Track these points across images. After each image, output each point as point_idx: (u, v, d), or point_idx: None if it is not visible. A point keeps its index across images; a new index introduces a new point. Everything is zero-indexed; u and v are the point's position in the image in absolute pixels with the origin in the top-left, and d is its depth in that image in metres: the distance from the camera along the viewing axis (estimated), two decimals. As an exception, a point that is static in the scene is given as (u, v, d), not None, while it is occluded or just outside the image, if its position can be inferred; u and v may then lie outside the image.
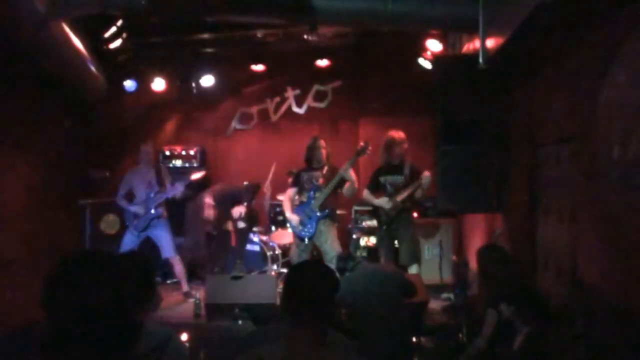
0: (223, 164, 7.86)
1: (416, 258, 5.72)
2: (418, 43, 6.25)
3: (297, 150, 5.81)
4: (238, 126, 7.99)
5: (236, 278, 5.31)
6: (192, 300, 5.61)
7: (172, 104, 7.82)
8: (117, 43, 6.18)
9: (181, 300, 5.97)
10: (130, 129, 7.70)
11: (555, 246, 3.76)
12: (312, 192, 5.50)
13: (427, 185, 5.39)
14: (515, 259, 4.11)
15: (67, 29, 5.61)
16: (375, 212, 5.81)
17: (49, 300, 1.21)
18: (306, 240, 5.49)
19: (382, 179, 5.71)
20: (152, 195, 5.97)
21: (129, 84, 7.31)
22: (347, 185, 5.41)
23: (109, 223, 6.98)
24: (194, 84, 7.41)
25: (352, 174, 5.33)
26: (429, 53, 6.20)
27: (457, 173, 4.66)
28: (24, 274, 5.72)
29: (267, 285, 5.31)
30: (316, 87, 7.73)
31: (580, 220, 3.30)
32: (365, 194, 5.77)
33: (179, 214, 7.07)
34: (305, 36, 6.74)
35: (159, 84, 7.34)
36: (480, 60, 4.00)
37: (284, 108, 7.86)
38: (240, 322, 4.93)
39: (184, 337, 4.73)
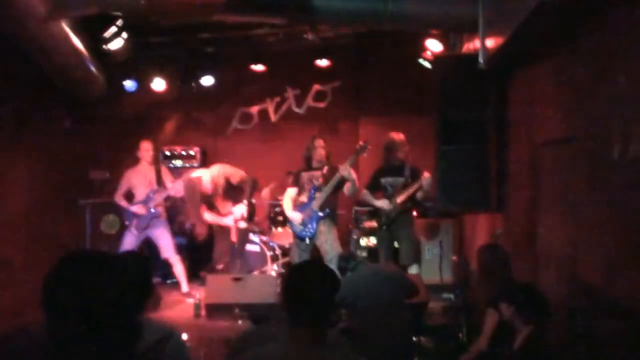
0: (223, 164, 7.85)
1: (416, 258, 5.72)
2: (418, 43, 6.25)
3: (297, 150, 5.81)
4: (238, 126, 7.99)
5: (236, 279, 5.31)
6: (192, 300, 5.61)
7: (172, 104, 7.82)
8: (117, 43, 6.17)
9: (181, 300, 5.96)
10: (130, 129, 7.70)
11: (556, 246, 3.76)
12: (312, 192, 5.50)
13: (428, 186, 5.39)
14: (515, 259, 4.11)
15: (67, 29, 5.61)
16: (375, 212, 5.82)
17: (49, 300, 1.21)
18: (306, 240, 5.49)
19: (382, 180, 5.71)
20: (151, 194, 5.96)
21: (129, 84, 7.31)
22: (347, 185, 5.41)
23: (109, 223, 6.98)
24: (194, 84, 7.41)
25: (352, 173, 5.33)
26: (429, 53, 6.20)
27: (457, 173, 4.66)
28: (24, 274, 5.72)
29: (267, 285, 5.31)
30: (316, 87, 7.73)
31: (580, 220, 3.30)
32: (365, 194, 5.77)
33: (178, 214, 7.07)
34: (305, 35, 6.74)
35: (159, 84, 7.34)
36: (480, 60, 4.00)
37: (284, 108, 7.86)
38: (240, 322, 4.93)
39: (184, 337, 4.73)
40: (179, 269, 6.10)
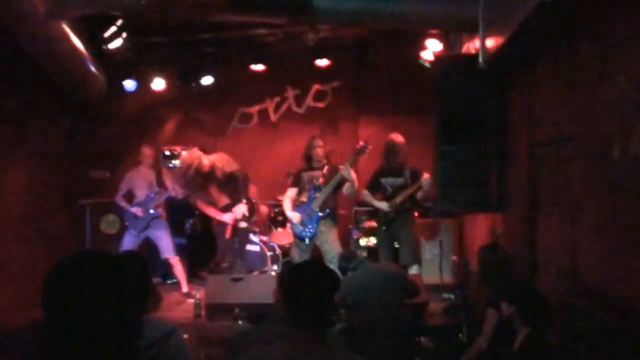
0: (223, 164, 7.85)
1: (416, 258, 5.72)
2: (418, 43, 6.25)
3: (297, 150, 5.81)
4: (238, 126, 7.99)
5: (236, 279, 5.31)
6: (192, 300, 5.61)
7: (172, 104, 7.82)
8: (117, 43, 6.17)
9: (181, 301, 5.96)
10: (130, 129, 7.70)
11: (555, 246, 3.76)
12: (312, 192, 5.50)
13: (427, 187, 5.39)
14: (515, 258, 4.11)
15: (67, 29, 5.61)
16: (375, 213, 5.82)
17: (49, 300, 1.21)
18: (307, 240, 5.49)
19: (382, 180, 5.72)
20: (152, 195, 5.97)
21: (129, 84, 7.31)
22: (347, 185, 5.41)
23: (109, 223, 6.98)
24: (194, 84, 7.41)
25: (352, 174, 5.33)
26: (429, 53, 6.20)
27: (457, 173, 4.66)
28: (24, 274, 5.72)
29: (267, 285, 5.30)
30: (316, 87, 7.73)
31: (580, 220, 3.30)
32: (365, 194, 5.78)
33: (179, 214, 7.08)
34: (304, 36, 6.73)
35: (159, 84, 7.34)
36: (480, 60, 4.00)
37: (284, 108, 7.86)
38: (240, 322, 4.93)
39: (185, 337, 4.72)
40: (179, 269, 6.10)
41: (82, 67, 6.32)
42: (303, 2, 4.55)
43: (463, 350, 3.78)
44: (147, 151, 6.17)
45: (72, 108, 7.26)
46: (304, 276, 1.97)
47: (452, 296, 5.71)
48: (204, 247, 7.17)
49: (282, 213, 6.61)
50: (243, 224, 6.31)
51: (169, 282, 6.78)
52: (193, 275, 6.71)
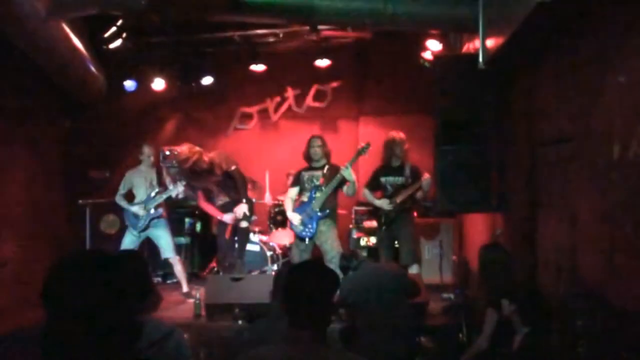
0: (223, 164, 7.85)
1: (416, 258, 5.72)
2: (418, 43, 6.25)
3: (297, 150, 5.81)
4: (238, 126, 7.99)
5: (236, 279, 5.31)
6: (192, 300, 5.61)
7: (172, 104, 7.83)
8: (117, 43, 6.18)
9: (181, 300, 5.96)
10: (130, 129, 7.71)
11: (555, 246, 3.76)
12: (312, 192, 5.50)
13: (427, 187, 5.39)
14: (515, 258, 4.11)
15: (67, 29, 5.61)
16: (375, 212, 5.82)
17: (49, 300, 1.21)
18: (307, 240, 5.49)
19: (382, 179, 5.71)
20: (152, 195, 5.96)
21: (129, 84, 7.32)
22: (347, 185, 5.41)
23: (109, 223, 6.98)
24: (194, 84, 7.41)
25: (352, 174, 5.33)
26: (429, 53, 6.20)
27: (457, 173, 4.65)
28: (24, 274, 5.72)
29: (267, 285, 5.27)
30: (316, 87, 7.73)
31: (580, 220, 3.30)
32: (365, 193, 5.77)
33: (178, 214, 7.08)
34: (305, 36, 6.75)
35: (159, 84, 7.34)
36: (480, 60, 4.00)
37: (284, 108, 7.86)
38: (240, 322, 4.93)
39: (185, 337, 4.72)
40: (179, 269, 6.10)
41: (82, 67, 6.32)
42: (303, 2, 4.55)
43: (463, 350, 3.77)
44: (147, 149, 6.17)
45: (72, 108, 7.26)
46: (304, 276, 1.97)
47: (452, 296, 5.71)
48: (205, 247, 7.18)
49: (282, 213, 6.61)
50: (244, 224, 6.31)
51: (169, 282, 6.78)
52: (193, 275, 6.72)
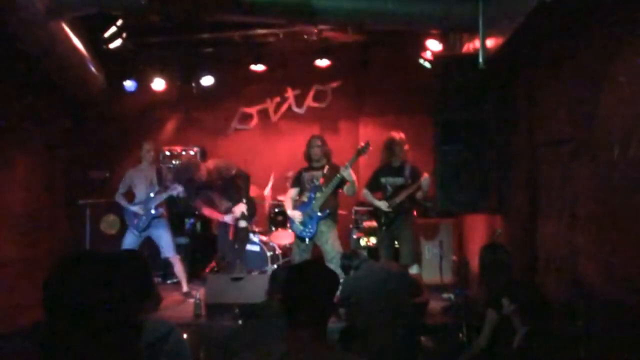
0: (223, 164, 7.84)
1: (416, 258, 5.72)
2: (418, 43, 6.25)
3: (297, 150, 5.81)
4: (238, 126, 8.00)
5: (236, 279, 5.31)
6: (192, 300, 5.61)
7: (172, 104, 7.83)
8: (117, 43, 6.17)
9: (181, 300, 5.96)
10: (130, 129, 7.71)
11: (555, 246, 3.76)
12: (312, 193, 5.50)
13: (427, 187, 5.39)
14: (515, 258, 4.11)
15: (67, 29, 5.61)
16: (375, 213, 5.81)
17: (49, 300, 1.21)
18: (307, 240, 5.49)
19: (382, 179, 5.71)
20: (152, 194, 5.96)
21: (129, 84, 7.32)
22: (347, 184, 5.41)
23: (109, 223, 6.97)
24: (194, 84, 7.41)
25: (352, 174, 5.33)
26: (429, 53, 6.20)
27: (457, 173, 4.66)
28: (24, 274, 5.72)
29: (267, 286, 5.29)
30: (316, 87, 7.73)
31: (580, 220, 3.30)
32: (365, 193, 5.77)
33: (179, 214, 7.08)
34: (305, 36, 6.74)
35: (159, 84, 7.34)
36: (480, 60, 4.01)
37: (284, 108, 7.86)
38: (240, 321, 4.93)
39: (184, 337, 4.72)
40: (179, 269, 6.10)
41: (82, 67, 6.32)
42: (303, 2, 4.55)
43: (463, 350, 3.77)
44: (148, 147, 6.17)
45: (72, 108, 7.26)
46: (304, 276, 1.97)
47: (452, 296, 5.70)
48: (205, 247, 7.18)
49: (282, 213, 6.61)
50: (243, 223, 6.30)
51: (169, 282, 6.78)
52: (193, 275, 6.71)
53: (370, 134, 7.35)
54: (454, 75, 4.69)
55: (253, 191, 6.75)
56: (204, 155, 7.72)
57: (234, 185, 6.28)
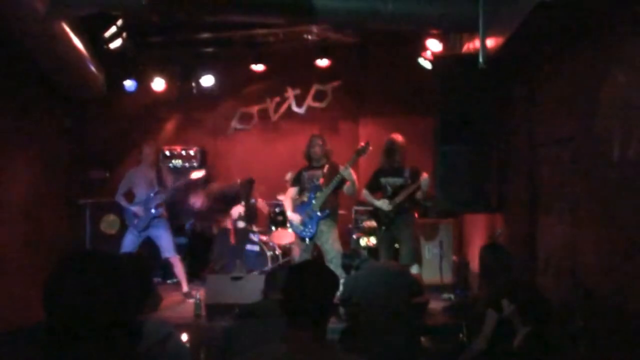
0: (223, 164, 7.85)
1: (416, 258, 5.72)
2: (418, 43, 6.25)
3: (297, 150, 5.81)
4: (238, 126, 7.99)
5: (236, 278, 5.31)
6: (192, 300, 5.61)
7: (172, 104, 7.82)
8: (117, 43, 6.18)
9: (181, 300, 5.96)
10: (130, 129, 7.71)
11: (555, 246, 3.76)
12: (312, 193, 5.49)
13: (426, 187, 5.39)
14: (515, 258, 4.11)
15: (67, 29, 5.61)
16: (375, 213, 5.81)
17: (49, 300, 1.21)
18: (307, 240, 5.49)
19: (382, 180, 5.71)
20: (152, 194, 5.96)
21: (129, 84, 7.31)
22: (347, 184, 5.41)
23: (109, 223, 6.98)
24: (194, 84, 7.41)
25: (352, 174, 5.33)
26: (429, 53, 6.20)
27: (457, 173, 4.66)
28: (24, 274, 5.72)
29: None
30: (316, 87, 7.73)
31: (580, 220, 3.30)
32: (365, 194, 5.77)
33: (179, 214, 7.08)
34: (305, 36, 6.74)
35: (159, 84, 7.34)
36: (480, 60, 4.00)
37: (284, 108, 7.86)
38: (234, 321, 4.92)
39: (184, 337, 4.73)
40: (179, 269, 6.09)
41: (82, 67, 6.32)
42: (303, 2, 4.55)
43: (463, 350, 3.77)
44: (148, 149, 6.17)
45: (72, 108, 7.26)
46: (304, 276, 1.97)
47: (452, 296, 5.71)
48: (205, 247, 7.18)
49: (282, 213, 6.60)
50: (241, 224, 6.31)
51: (169, 282, 6.78)
52: (193, 275, 6.71)
53: (370, 134, 7.35)
54: (454, 75, 4.69)
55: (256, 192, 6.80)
56: (204, 155, 7.73)
57: (233, 198, 6.35)
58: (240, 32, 6.81)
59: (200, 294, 5.47)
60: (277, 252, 6.64)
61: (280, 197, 6.64)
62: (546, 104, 3.96)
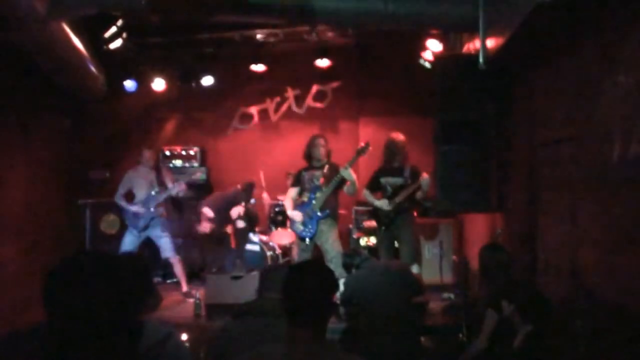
0: (223, 164, 7.86)
1: (416, 258, 5.72)
2: (418, 43, 6.25)
3: (297, 150, 5.81)
4: (238, 126, 8.00)
5: (236, 278, 5.31)
6: (192, 300, 5.61)
7: (172, 104, 7.83)
8: (117, 43, 6.18)
9: (181, 300, 5.97)
10: (130, 129, 7.71)
11: (555, 246, 3.76)
12: (312, 193, 5.50)
13: (426, 187, 5.39)
14: (515, 258, 4.11)
15: (67, 29, 5.61)
16: (374, 213, 5.81)
17: (50, 301, 1.21)
18: (307, 240, 5.49)
19: (382, 180, 5.71)
20: (152, 194, 5.97)
21: (129, 84, 7.32)
22: (347, 184, 5.41)
23: (109, 223, 6.98)
24: (194, 84, 7.41)
25: (352, 174, 5.33)
26: (429, 53, 6.20)
27: (457, 173, 4.65)
28: (24, 274, 5.72)
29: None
30: (316, 87, 7.73)
31: (580, 220, 3.30)
32: (365, 194, 5.77)
33: (179, 215, 7.09)
34: (305, 36, 6.74)
35: (159, 84, 7.35)
36: (480, 60, 4.00)
37: (284, 108, 7.87)
38: (228, 320, 4.92)
39: (184, 337, 4.73)
40: (179, 269, 6.10)
41: (82, 67, 6.32)
42: (303, 2, 4.55)
43: (463, 350, 3.77)
44: (147, 154, 6.17)
45: (72, 108, 7.26)
46: (303, 276, 1.97)
47: (452, 296, 5.71)
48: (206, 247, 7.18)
49: (282, 213, 6.61)
50: (241, 224, 6.32)
51: (169, 281, 6.78)
52: (193, 275, 6.72)
53: (370, 134, 7.35)
54: (454, 75, 4.68)
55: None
56: (204, 155, 7.73)
57: (234, 200, 6.37)
58: (240, 32, 6.81)
59: (200, 293, 5.47)
60: (277, 252, 6.64)
61: (281, 198, 6.65)
62: (546, 104, 3.96)
